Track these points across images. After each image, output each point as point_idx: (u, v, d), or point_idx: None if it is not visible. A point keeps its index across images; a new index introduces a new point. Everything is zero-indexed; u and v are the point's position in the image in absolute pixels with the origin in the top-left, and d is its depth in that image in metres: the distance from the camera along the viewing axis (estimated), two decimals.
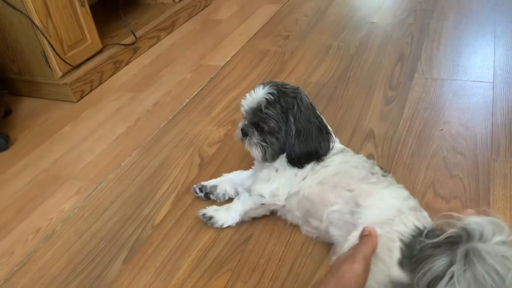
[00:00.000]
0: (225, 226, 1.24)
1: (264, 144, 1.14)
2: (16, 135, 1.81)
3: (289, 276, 1.10)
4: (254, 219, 1.26)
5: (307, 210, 1.14)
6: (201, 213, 1.25)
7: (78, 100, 2.00)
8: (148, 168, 1.52)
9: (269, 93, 1.13)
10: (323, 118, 1.20)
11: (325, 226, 1.09)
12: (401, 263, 0.89)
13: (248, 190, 1.22)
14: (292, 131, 1.12)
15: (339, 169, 1.15)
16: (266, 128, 1.13)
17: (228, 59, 2.16)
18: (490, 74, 1.76)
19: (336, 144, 1.21)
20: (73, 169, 1.58)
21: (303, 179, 1.16)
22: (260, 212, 1.24)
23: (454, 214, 0.82)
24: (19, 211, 1.42)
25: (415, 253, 0.88)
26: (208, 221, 1.24)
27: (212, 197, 1.33)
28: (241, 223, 1.24)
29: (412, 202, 1.03)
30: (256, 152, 1.16)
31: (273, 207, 1.22)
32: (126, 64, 2.26)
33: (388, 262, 0.89)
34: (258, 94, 1.14)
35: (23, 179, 1.56)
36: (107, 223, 1.32)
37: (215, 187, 1.33)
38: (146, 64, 2.25)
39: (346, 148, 1.24)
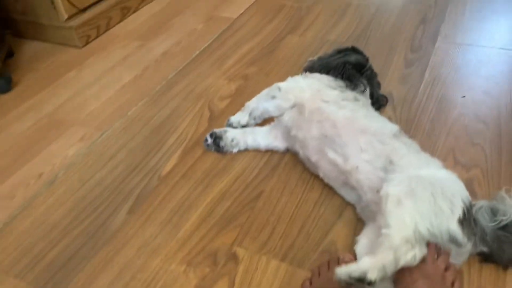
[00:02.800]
0: (235, 124, 1.30)
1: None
2: (18, 78, 1.73)
3: (300, 235, 1.06)
4: (266, 176, 1.21)
5: (327, 136, 1.09)
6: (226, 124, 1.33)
7: (84, 46, 1.92)
8: (156, 119, 1.46)
9: None
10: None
11: (349, 169, 1.04)
12: (462, 224, 0.86)
13: None
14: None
15: (370, 116, 1.12)
16: None
17: (242, 12, 2.06)
18: None
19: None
20: (77, 115, 1.52)
21: (327, 102, 1.15)
22: (270, 109, 1.24)
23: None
24: (21, 155, 1.37)
25: (473, 225, 0.88)
26: (226, 123, 1.32)
27: (221, 143, 1.28)
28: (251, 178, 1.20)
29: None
30: None
31: (282, 105, 1.21)
32: (135, 11, 2.16)
33: (448, 214, 0.86)
34: None
35: (26, 122, 1.50)
36: (112, 172, 1.28)
37: (225, 131, 1.29)
38: (156, 12, 2.14)
39: None
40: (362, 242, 0.97)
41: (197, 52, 1.80)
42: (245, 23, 1.97)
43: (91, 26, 1.94)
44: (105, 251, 1.07)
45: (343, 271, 0.79)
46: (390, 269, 0.80)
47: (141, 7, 2.18)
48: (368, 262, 0.80)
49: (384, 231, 0.85)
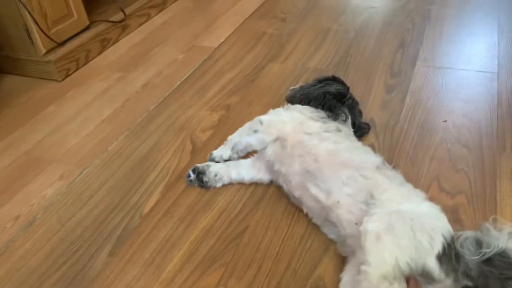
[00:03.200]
0: (218, 158, 1.29)
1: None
2: None
3: (287, 273, 1.04)
4: (250, 210, 1.19)
5: (309, 171, 1.08)
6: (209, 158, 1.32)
7: (63, 79, 1.89)
8: (137, 153, 1.43)
9: None
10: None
11: (331, 204, 1.02)
12: (440, 259, 0.85)
13: None
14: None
15: (352, 148, 1.12)
16: None
17: (222, 40, 2.06)
18: (495, 64, 1.70)
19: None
20: (57, 152, 1.49)
21: (309, 134, 1.14)
22: (253, 143, 1.22)
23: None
24: None
25: (454, 261, 0.87)
26: (209, 158, 1.30)
27: (205, 178, 1.25)
28: (234, 216, 1.18)
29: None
30: None
31: (264, 138, 1.20)
32: (115, 43, 2.15)
33: (426, 248, 0.85)
34: None
35: (3, 161, 1.46)
36: (92, 212, 1.24)
37: (208, 166, 1.27)
38: (136, 43, 2.14)
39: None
40: (345, 279, 0.95)
41: (178, 82, 1.79)
42: (226, 52, 1.97)
43: (70, 59, 1.92)
44: None
45: None
46: None
47: (121, 39, 2.17)
48: None
49: (362, 268, 0.84)
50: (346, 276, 0.95)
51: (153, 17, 2.36)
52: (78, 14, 1.96)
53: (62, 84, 1.87)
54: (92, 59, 2.02)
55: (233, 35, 2.10)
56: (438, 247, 0.85)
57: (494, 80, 1.61)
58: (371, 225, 0.88)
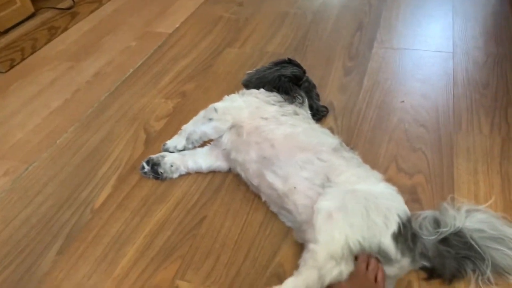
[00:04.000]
0: (172, 149, 1.23)
1: None
2: None
3: (246, 261, 1.01)
4: (208, 200, 1.15)
5: (266, 157, 1.04)
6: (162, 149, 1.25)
7: (7, 70, 1.78)
8: (87, 146, 1.36)
9: None
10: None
11: (287, 191, 0.99)
12: (396, 239, 0.84)
13: None
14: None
15: (310, 130, 1.09)
16: None
17: (177, 26, 1.99)
18: (450, 44, 1.71)
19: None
20: (1, 147, 1.39)
21: (266, 119, 1.10)
22: (208, 132, 1.18)
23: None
24: None
25: (410, 242, 0.86)
26: (162, 149, 1.24)
27: (160, 169, 1.20)
28: (191, 208, 1.13)
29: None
30: None
31: (220, 126, 1.15)
32: (64, 31, 2.04)
33: (381, 227, 0.84)
34: None
35: None
36: (39, 209, 1.17)
37: (162, 156, 1.21)
38: (86, 30, 2.04)
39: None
40: None
41: (131, 70, 1.71)
42: (181, 37, 1.91)
43: (14, 48, 1.81)
44: None
45: None
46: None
47: (70, 27, 2.06)
48: (291, 284, 0.76)
49: (311, 246, 0.83)
50: None
51: (104, 3, 2.25)
52: (22, 1, 1.85)
53: (6, 75, 1.76)
54: (40, 48, 1.91)
55: (188, 20, 2.03)
56: (393, 227, 0.84)
57: (449, 59, 1.62)
58: (324, 203, 0.87)
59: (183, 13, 2.09)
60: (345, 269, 0.81)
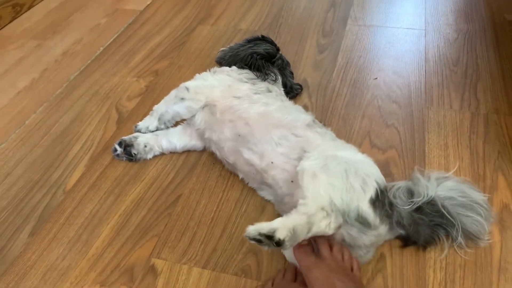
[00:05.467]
0: (144, 130, 1.20)
1: None
2: None
3: (223, 237, 1.01)
4: (183, 178, 1.14)
5: (240, 135, 1.04)
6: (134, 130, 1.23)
7: None
8: (57, 126, 1.33)
9: None
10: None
11: (265, 166, 1.00)
12: (374, 204, 0.85)
13: None
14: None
15: (283, 108, 1.08)
16: None
17: (148, 3, 1.94)
18: (422, 21, 1.72)
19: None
20: None
21: (239, 98, 1.09)
22: (181, 112, 1.16)
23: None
24: None
25: (388, 208, 0.88)
26: (134, 130, 1.22)
27: (133, 151, 1.17)
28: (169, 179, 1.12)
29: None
30: None
31: (193, 106, 1.14)
32: (29, 8, 1.96)
33: (358, 191, 0.85)
34: None
35: None
36: (9, 191, 1.14)
37: (135, 137, 1.19)
38: (53, 8, 1.96)
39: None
40: None
41: (101, 49, 1.66)
42: (153, 14, 1.86)
43: None
44: (4, 282, 0.94)
45: (253, 228, 0.76)
46: (302, 233, 0.78)
47: (36, 4, 1.98)
48: (280, 222, 0.77)
49: (300, 201, 0.83)
50: None
51: None
52: None
53: None
54: (3, 27, 1.83)
55: None
56: (370, 192, 0.85)
57: (422, 36, 1.64)
58: (308, 163, 0.88)
59: None
60: (334, 222, 0.80)
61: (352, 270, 0.82)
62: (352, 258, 0.85)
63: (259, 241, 0.76)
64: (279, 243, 0.75)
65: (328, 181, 0.84)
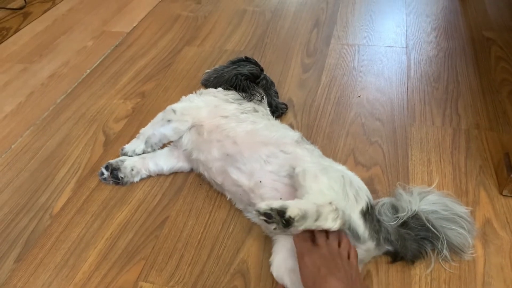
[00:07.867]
0: (130, 153, 1.21)
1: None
2: None
3: (210, 259, 1.01)
4: (170, 200, 1.15)
5: (229, 155, 1.05)
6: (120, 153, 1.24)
7: None
8: (44, 150, 1.33)
9: None
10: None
11: (253, 186, 1.00)
12: (364, 216, 0.87)
13: None
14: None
15: (270, 126, 1.10)
16: None
17: (135, 25, 1.96)
18: (403, 39, 1.77)
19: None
20: None
21: (226, 117, 1.11)
22: (168, 134, 1.17)
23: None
24: None
25: (376, 224, 0.90)
26: (121, 153, 1.22)
27: (120, 174, 1.18)
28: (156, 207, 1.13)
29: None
30: None
31: (179, 127, 1.15)
32: (16, 32, 1.97)
33: (352, 201, 0.87)
34: None
35: None
36: None
37: (122, 161, 1.19)
38: (39, 31, 1.98)
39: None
40: (278, 259, 0.93)
41: (88, 71, 1.67)
42: (139, 36, 1.88)
43: None
44: None
45: (264, 203, 0.77)
46: (311, 219, 0.78)
47: (23, 27, 2.00)
48: (291, 202, 0.78)
49: (305, 195, 0.84)
50: (278, 256, 0.93)
51: (57, 3, 2.19)
52: None
53: None
54: None
55: (146, 19, 2.01)
56: (362, 203, 0.88)
57: (403, 54, 1.68)
58: (308, 166, 0.90)
59: (140, 11, 2.07)
60: (340, 218, 0.81)
61: (348, 257, 0.83)
62: (349, 246, 0.85)
63: (269, 216, 0.77)
64: (289, 222, 0.76)
65: (329, 183, 0.87)
